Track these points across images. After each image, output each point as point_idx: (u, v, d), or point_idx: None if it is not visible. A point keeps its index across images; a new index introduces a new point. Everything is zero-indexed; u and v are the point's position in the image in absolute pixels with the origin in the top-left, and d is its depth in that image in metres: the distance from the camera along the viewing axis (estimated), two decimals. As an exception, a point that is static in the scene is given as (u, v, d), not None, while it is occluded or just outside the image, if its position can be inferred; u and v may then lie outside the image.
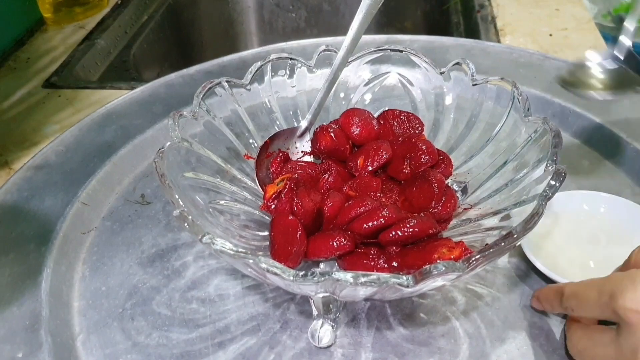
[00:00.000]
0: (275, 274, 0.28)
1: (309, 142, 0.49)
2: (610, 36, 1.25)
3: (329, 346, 0.38)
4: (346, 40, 0.45)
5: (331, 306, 0.37)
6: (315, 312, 0.38)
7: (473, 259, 0.29)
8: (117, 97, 0.62)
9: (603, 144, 0.53)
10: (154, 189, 0.53)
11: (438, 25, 0.94)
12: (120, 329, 0.41)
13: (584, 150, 0.54)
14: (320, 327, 0.38)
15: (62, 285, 0.44)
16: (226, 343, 0.39)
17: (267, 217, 0.43)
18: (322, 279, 0.28)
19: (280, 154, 0.47)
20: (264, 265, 0.28)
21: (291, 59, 0.49)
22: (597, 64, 0.47)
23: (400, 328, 0.39)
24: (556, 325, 0.39)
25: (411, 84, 0.51)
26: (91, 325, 0.41)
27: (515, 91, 0.43)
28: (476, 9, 0.80)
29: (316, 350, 0.38)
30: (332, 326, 0.38)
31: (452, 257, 0.35)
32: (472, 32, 0.78)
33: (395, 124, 0.48)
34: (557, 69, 0.62)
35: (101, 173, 0.53)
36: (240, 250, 0.30)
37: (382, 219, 0.37)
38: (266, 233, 0.42)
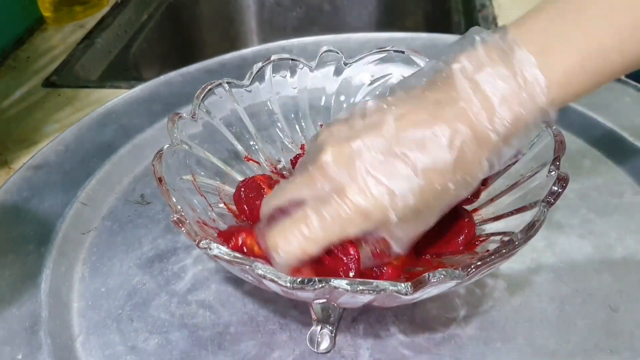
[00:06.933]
0: (272, 280, 0.28)
1: None
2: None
3: (328, 351, 0.38)
4: None
5: (330, 311, 0.37)
6: (314, 317, 0.38)
7: (473, 266, 0.29)
8: (117, 96, 0.62)
9: (605, 143, 0.53)
10: (153, 189, 0.53)
11: (439, 24, 0.94)
12: (120, 330, 0.41)
13: (586, 149, 0.53)
14: (319, 333, 0.37)
15: (62, 286, 0.44)
16: (225, 345, 0.39)
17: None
18: (320, 286, 0.27)
19: None
20: (260, 272, 0.28)
21: (292, 59, 0.49)
22: None
23: (399, 333, 0.39)
24: (557, 328, 0.39)
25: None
26: (91, 326, 0.41)
27: None
28: (477, 8, 0.80)
29: (315, 355, 0.38)
30: (331, 331, 0.38)
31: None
32: (473, 31, 0.78)
33: None
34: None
35: (101, 173, 0.53)
36: (237, 255, 0.30)
37: None
38: None
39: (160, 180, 0.35)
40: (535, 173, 0.38)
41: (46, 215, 0.49)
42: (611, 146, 0.52)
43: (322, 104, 0.51)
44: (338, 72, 0.50)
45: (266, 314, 0.41)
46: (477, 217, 0.41)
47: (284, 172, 0.48)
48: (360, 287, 0.27)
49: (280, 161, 0.49)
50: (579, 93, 0.31)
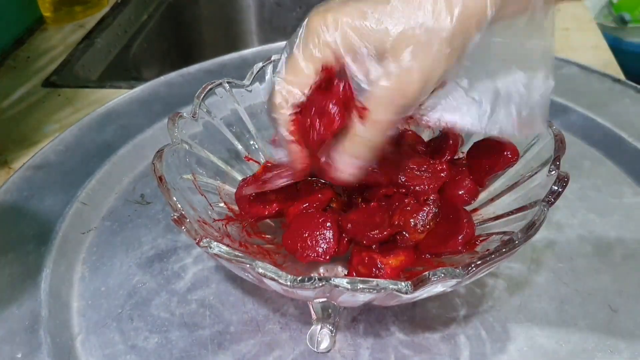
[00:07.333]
0: (272, 279, 0.28)
1: None
2: (612, 36, 1.24)
3: (328, 351, 0.38)
4: None
5: (330, 311, 0.37)
6: (314, 317, 0.38)
7: (473, 264, 0.29)
8: (117, 97, 0.62)
9: (604, 144, 0.53)
10: (153, 189, 0.53)
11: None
12: (119, 329, 0.41)
13: (585, 149, 0.54)
14: (319, 332, 0.37)
15: (62, 285, 0.44)
16: (225, 345, 0.39)
17: (268, 221, 0.43)
18: (320, 284, 0.27)
19: None
20: (260, 270, 0.28)
21: None
22: None
23: (399, 332, 0.39)
24: (557, 328, 0.39)
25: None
26: (90, 325, 0.41)
27: None
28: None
29: (315, 354, 0.38)
30: (331, 331, 0.38)
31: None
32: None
33: None
34: (558, 68, 0.61)
35: (101, 173, 0.53)
36: (237, 254, 0.30)
37: None
38: (267, 236, 0.42)
39: (160, 179, 0.35)
40: (536, 173, 0.38)
41: (46, 215, 0.49)
42: (611, 146, 0.53)
43: (322, 103, 0.51)
44: (338, 72, 0.49)
45: (266, 314, 0.41)
46: (477, 217, 0.41)
47: None
48: (361, 286, 0.27)
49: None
50: None
